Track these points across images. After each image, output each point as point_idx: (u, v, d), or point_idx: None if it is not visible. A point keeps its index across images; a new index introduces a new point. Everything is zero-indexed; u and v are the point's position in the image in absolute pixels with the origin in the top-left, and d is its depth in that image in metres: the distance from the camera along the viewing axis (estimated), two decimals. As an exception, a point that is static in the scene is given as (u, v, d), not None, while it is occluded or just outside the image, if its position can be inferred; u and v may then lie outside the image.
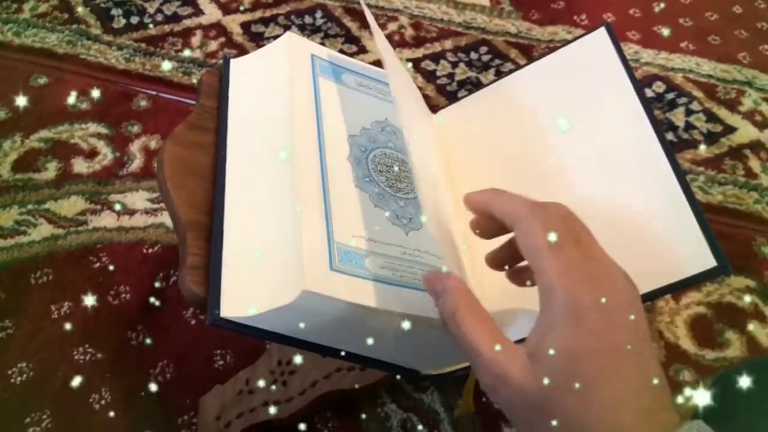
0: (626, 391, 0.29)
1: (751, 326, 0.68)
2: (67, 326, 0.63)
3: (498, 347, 0.31)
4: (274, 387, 0.56)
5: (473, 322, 0.32)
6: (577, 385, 0.29)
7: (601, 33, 0.49)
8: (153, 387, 0.60)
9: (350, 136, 0.45)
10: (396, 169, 0.46)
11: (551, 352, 0.30)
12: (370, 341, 0.39)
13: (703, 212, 0.39)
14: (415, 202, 0.45)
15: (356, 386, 0.55)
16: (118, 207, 0.72)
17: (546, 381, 0.30)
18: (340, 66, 0.51)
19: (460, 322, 0.33)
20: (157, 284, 0.67)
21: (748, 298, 0.70)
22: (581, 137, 0.46)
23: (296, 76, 0.46)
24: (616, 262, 0.34)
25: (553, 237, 0.32)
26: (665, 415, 0.29)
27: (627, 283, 0.33)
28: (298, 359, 0.56)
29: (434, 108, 0.56)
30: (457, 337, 0.33)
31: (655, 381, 0.30)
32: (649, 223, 0.40)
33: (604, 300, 0.31)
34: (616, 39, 0.48)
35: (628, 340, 0.30)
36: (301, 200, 0.39)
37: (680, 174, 0.41)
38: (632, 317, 0.31)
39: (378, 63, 0.90)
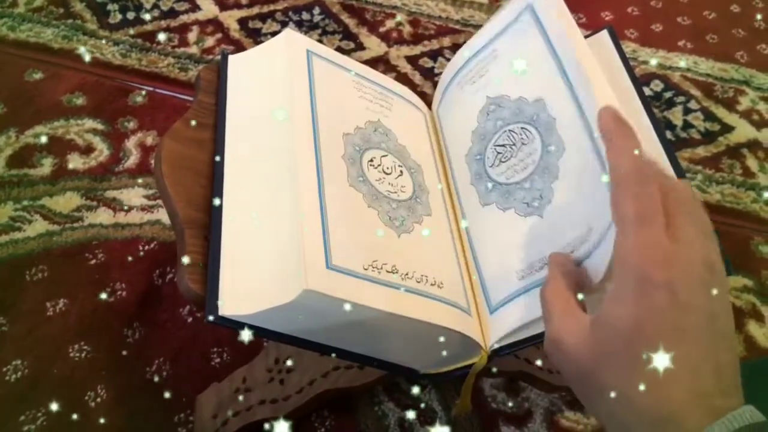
0: (682, 371, 0.29)
1: (749, 326, 0.68)
2: (63, 323, 0.62)
3: (562, 315, 0.34)
4: (271, 385, 0.55)
5: (552, 292, 0.35)
6: (630, 357, 0.30)
7: (603, 35, 0.49)
8: (149, 385, 0.59)
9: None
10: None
11: (613, 321, 0.31)
12: (368, 340, 0.39)
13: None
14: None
15: (354, 385, 0.55)
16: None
17: (600, 349, 0.31)
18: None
19: (543, 291, 0.36)
20: (153, 281, 0.66)
21: (745, 298, 0.70)
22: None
23: (293, 74, 0.46)
24: (710, 249, 0.33)
25: (641, 212, 0.32)
26: (723, 401, 0.29)
27: (707, 271, 0.32)
28: (295, 357, 0.56)
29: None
30: (542, 305, 0.36)
31: (722, 368, 0.30)
32: None
33: (676, 281, 0.31)
34: (619, 42, 0.48)
35: (693, 324, 0.30)
36: (301, 199, 0.38)
37: (681, 174, 0.41)
38: (703, 303, 0.31)
39: (372, 63, 0.90)
